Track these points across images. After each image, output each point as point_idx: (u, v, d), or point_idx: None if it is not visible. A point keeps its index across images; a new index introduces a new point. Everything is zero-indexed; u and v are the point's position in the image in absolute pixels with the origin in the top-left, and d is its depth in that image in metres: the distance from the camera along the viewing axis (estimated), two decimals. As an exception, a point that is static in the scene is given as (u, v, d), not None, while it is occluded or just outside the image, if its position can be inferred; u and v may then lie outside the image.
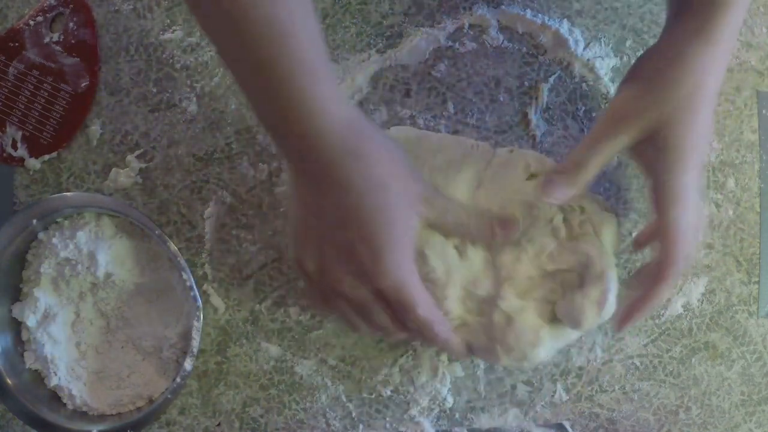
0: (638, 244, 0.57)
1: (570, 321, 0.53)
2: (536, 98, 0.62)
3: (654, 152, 0.49)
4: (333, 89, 0.47)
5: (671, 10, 0.52)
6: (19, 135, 0.63)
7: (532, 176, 0.55)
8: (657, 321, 0.61)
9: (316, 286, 0.52)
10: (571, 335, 0.55)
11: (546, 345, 0.53)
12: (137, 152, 0.62)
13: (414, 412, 0.61)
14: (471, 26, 0.62)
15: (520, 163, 0.55)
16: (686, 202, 0.49)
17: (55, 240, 0.60)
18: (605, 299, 0.51)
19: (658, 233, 0.50)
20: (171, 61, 0.63)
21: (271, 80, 0.44)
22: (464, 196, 0.55)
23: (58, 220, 0.61)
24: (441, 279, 0.53)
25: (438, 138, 0.58)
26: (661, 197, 0.49)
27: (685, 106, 0.47)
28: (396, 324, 0.52)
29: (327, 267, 0.50)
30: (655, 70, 0.49)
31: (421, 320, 0.50)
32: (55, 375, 0.60)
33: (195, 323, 0.57)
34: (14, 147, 0.63)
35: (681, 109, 0.47)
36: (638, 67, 0.52)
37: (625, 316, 0.52)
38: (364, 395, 0.61)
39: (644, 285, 0.51)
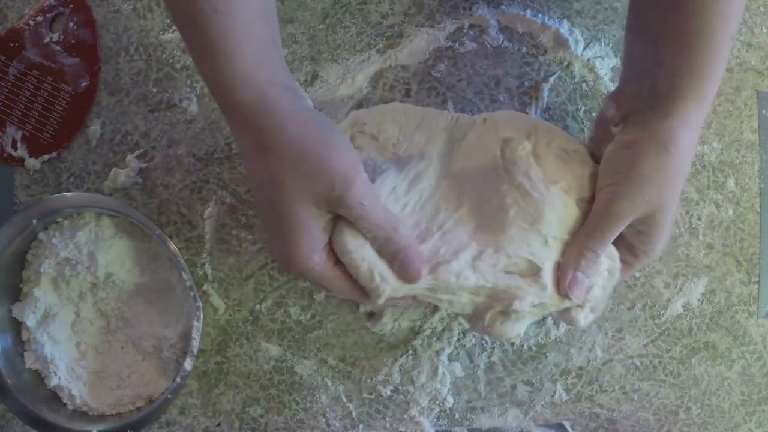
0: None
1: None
2: (536, 98, 0.62)
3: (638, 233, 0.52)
4: (250, 71, 0.47)
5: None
6: (19, 135, 0.63)
7: (505, 140, 0.55)
8: (657, 321, 0.61)
9: None
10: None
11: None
12: (137, 152, 0.62)
13: (414, 412, 0.61)
14: (471, 26, 0.62)
15: (494, 130, 0.55)
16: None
17: (55, 240, 0.60)
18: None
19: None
20: (171, 61, 0.63)
21: (193, 53, 0.48)
22: (437, 168, 0.55)
23: (58, 220, 0.61)
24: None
25: (421, 111, 0.57)
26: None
27: (670, 199, 0.50)
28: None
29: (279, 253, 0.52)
30: (642, 165, 0.50)
31: (348, 296, 0.53)
32: (55, 375, 0.60)
33: (195, 323, 0.57)
34: (14, 147, 0.63)
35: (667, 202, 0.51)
36: (620, 159, 0.52)
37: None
38: (364, 395, 0.61)
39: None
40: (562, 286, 0.51)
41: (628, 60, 0.53)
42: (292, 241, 0.49)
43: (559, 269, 0.52)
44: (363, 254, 0.51)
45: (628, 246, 0.53)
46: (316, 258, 0.50)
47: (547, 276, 0.51)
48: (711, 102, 0.50)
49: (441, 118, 0.57)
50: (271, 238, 0.51)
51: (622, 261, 0.53)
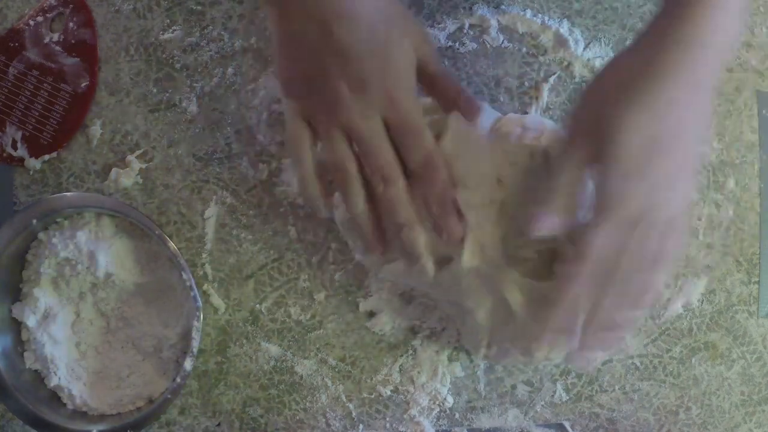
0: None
1: None
2: (536, 98, 0.62)
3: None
4: None
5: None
6: (19, 135, 0.63)
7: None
8: (657, 321, 0.61)
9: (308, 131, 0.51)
10: None
11: None
12: (137, 152, 0.62)
13: (414, 412, 0.61)
14: (471, 26, 0.62)
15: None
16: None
17: (55, 240, 0.60)
18: None
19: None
20: (171, 61, 0.63)
21: None
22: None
23: (58, 220, 0.61)
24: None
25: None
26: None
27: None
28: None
29: (333, 99, 0.49)
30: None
31: (427, 153, 0.50)
32: (55, 375, 0.60)
33: (195, 323, 0.57)
34: (14, 147, 0.63)
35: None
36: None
37: None
38: (364, 395, 0.61)
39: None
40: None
41: None
42: (407, 77, 0.50)
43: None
44: None
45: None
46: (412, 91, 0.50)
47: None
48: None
49: None
50: (380, 75, 0.48)
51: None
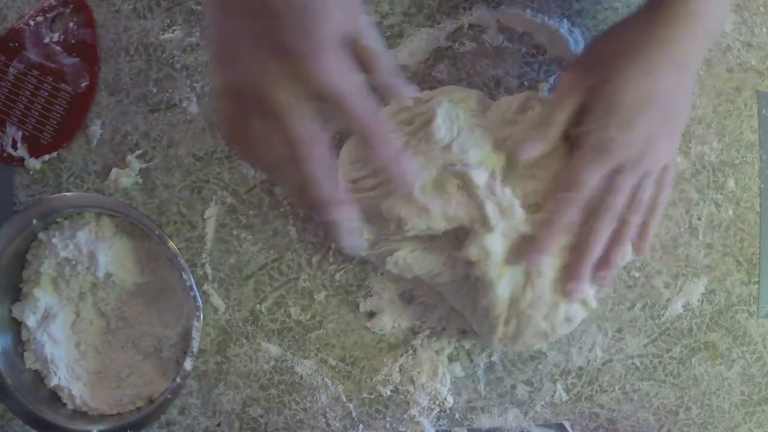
0: None
1: None
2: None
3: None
4: None
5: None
6: (19, 135, 0.63)
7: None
8: (657, 321, 0.61)
9: (238, 103, 0.46)
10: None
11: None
12: (137, 152, 0.62)
13: (414, 412, 0.61)
14: (471, 26, 0.62)
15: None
16: None
17: (55, 240, 0.60)
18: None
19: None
20: (171, 61, 0.63)
21: None
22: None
23: (58, 220, 0.61)
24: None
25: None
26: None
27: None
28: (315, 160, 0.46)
29: (257, 71, 0.44)
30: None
31: (363, 119, 0.46)
32: (55, 375, 0.60)
33: (195, 323, 0.57)
34: (14, 147, 0.63)
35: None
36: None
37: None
38: (364, 395, 0.61)
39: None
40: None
41: None
42: (334, 45, 0.44)
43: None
44: None
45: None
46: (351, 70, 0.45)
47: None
48: None
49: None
50: (304, 42, 0.43)
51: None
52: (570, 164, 0.54)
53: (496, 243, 0.54)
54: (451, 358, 0.61)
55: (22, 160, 0.63)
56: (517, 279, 0.54)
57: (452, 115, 0.55)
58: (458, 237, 0.56)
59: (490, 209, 0.53)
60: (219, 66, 0.46)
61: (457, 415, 0.61)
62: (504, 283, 0.54)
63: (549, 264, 0.54)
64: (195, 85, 0.62)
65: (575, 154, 0.53)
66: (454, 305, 0.59)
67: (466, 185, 0.54)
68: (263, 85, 0.44)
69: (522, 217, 0.54)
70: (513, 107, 0.57)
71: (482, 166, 0.54)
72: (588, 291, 0.56)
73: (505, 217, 0.54)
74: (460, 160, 0.54)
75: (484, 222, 0.53)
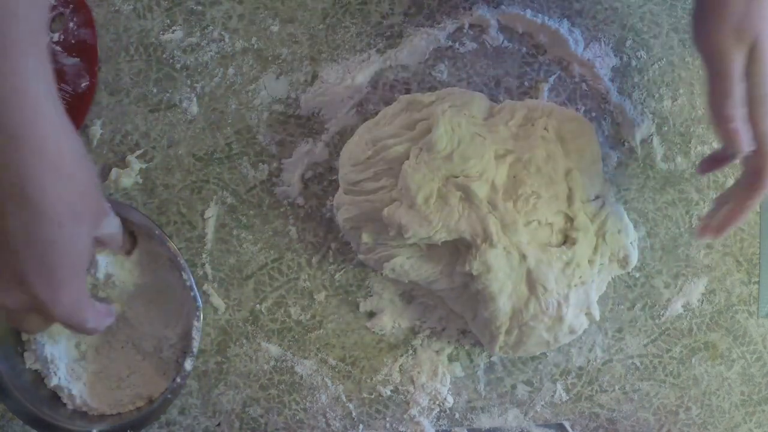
0: (703, 170, 0.57)
1: None
2: (536, 98, 0.62)
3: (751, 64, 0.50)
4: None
5: None
6: (19, 135, 0.63)
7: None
8: (657, 321, 0.61)
9: None
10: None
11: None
12: (137, 152, 0.62)
13: (414, 412, 0.61)
14: (471, 26, 0.62)
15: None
16: None
17: (55, 240, 0.60)
18: None
19: (723, 157, 0.53)
20: (171, 61, 0.63)
21: None
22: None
23: (58, 220, 0.61)
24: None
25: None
26: (755, 107, 0.50)
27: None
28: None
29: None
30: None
31: (89, 330, 0.50)
32: (55, 375, 0.60)
33: (195, 323, 0.57)
34: (14, 147, 0.62)
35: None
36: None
37: (721, 225, 0.53)
38: (364, 395, 0.61)
39: (736, 197, 0.53)
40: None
41: None
42: (77, 271, 0.46)
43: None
44: None
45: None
46: (84, 282, 0.48)
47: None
48: None
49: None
50: (45, 278, 0.44)
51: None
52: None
53: (498, 258, 0.54)
54: (451, 358, 0.61)
55: (22, 160, 0.63)
56: (520, 292, 0.55)
57: (454, 125, 0.55)
58: (457, 247, 0.56)
59: (493, 225, 0.54)
60: None
61: (457, 415, 0.61)
62: (505, 296, 0.54)
63: (554, 279, 0.54)
64: (195, 85, 0.62)
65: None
66: (454, 309, 0.60)
67: (468, 198, 0.54)
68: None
69: (524, 234, 0.54)
70: (515, 118, 0.57)
71: (483, 176, 0.54)
72: (593, 302, 0.56)
73: (508, 233, 0.54)
74: (462, 170, 0.54)
75: (487, 237, 0.53)
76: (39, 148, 0.41)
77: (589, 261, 0.56)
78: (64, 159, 0.43)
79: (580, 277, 0.56)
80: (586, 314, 0.57)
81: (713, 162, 0.55)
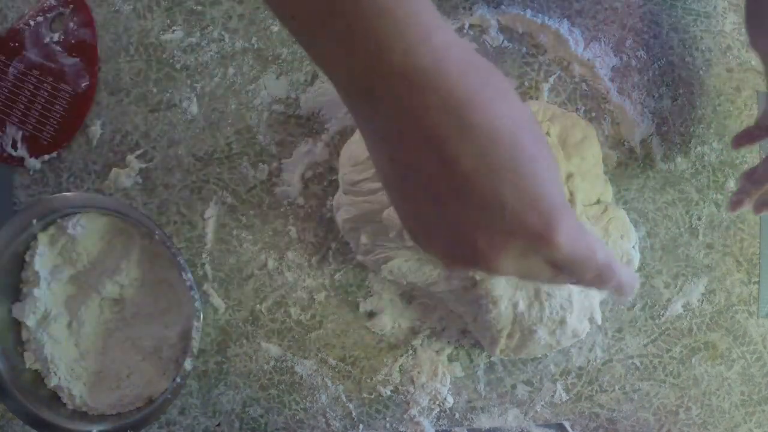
0: (738, 145, 0.58)
1: None
2: (536, 98, 0.62)
3: None
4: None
5: None
6: (19, 135, 0.63)
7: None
8: (657, 321, 0.61)
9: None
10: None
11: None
12: (137, 152, 0.62)
13: (414, 412, 0.61)
14: (471, 26, 0.62)
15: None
16: None
17: (55, 240, 0.60)
18: None
19: (758, 134, 0.55)
20: (171, 61, 0.63)
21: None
22: None
23: (58, 220, 0.61)
24: None
25: None
26: None
27: None
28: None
29: (471, 251, 0.38)
30: None
31: (601, 265, 0.39)
32: (55, 375, 0.60)
33: (195, 323, 0.57)
34: (14, 147, 0.63)
35: None
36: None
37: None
38: (364, 395, 0.61)
39: None
40: None
41: None
42: (562, 194, 0.38)
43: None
44: None
45: None
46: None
47: None
48: None
49: None
50: (537, 205, 0.36)
51: None
52: None
53: None
54: (451, 358, 0.61)
55: (22, 160, 0.63)
56: (523, 297, 0.55)
57: None
58: None
59: None
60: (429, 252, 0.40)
61: (457, 415, 0.61)
62: (507, 301, 0.54)
63: (559, 285, 0.54)
64: (195, 85, 0.62)
65: None
66: (454, 309, 0.59)
67: None
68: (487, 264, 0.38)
69: None
70: None
71: None
72: (596, 307, 0.56)
73: None
74: None
75: None
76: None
77: None
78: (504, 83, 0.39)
79: None
80: (588, 319, 0.57)
81: (748, 136, 0.55)
